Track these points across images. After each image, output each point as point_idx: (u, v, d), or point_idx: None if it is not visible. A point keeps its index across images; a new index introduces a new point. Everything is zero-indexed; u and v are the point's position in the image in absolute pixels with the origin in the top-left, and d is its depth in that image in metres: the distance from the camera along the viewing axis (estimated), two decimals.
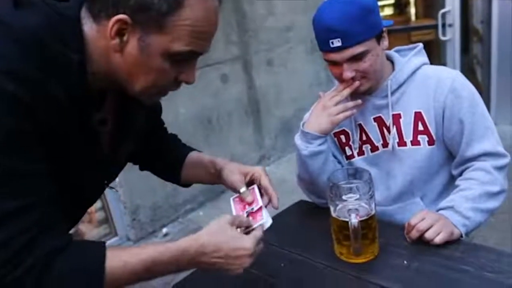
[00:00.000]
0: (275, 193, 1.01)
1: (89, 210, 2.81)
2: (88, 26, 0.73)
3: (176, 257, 0.77)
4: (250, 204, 0.98)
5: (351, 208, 0.99)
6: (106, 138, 0.86)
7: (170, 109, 2.69)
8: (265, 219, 0.92)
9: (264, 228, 0.91)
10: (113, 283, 0.71)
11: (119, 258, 0.72)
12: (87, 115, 0.76)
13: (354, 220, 0.96)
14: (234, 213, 0.98)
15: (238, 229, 0.86)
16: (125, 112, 0.89)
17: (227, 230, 0.81)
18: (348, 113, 1.18)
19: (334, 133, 1.31)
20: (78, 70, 0.71)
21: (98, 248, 0.72)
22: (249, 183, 1.03)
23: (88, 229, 2.69)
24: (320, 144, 1.19)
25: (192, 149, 1.15)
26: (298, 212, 1.35)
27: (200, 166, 1.10)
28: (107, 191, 2.82)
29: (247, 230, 0.88)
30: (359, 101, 1.19)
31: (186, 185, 1.16)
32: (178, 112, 2.84)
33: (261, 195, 1.00)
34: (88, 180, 0.83)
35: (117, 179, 2.49)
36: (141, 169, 1.18)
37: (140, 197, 2.69)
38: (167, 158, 1.14)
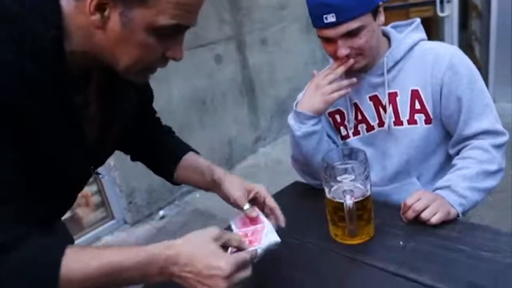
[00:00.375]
0: (281, 214, 0.96)
1: (85, 193, 2.80)
2: (66, 2, 0.69)
3: (144, 263, 0.69)
4: (252, 221, 0.92)
5: (346, 189, 0.97)
6: (91, 122, 0.82)
7: (162, 91, 2.65)
8: (269, 239, 0.85)
9: (270, 243, 0.84)
10: (70, 285, 0.65)
11: (80, 258, 0.67)
12: (68, 96, 0.73)
13: (349, 201, 0.94)
14: (234, 231, 0.91)
15: (229, 249, 0.76)
16: (111, 94, 0.85)
17: (208, 244, 0.72)
18: (342, 92, 1.14)
19: (329, 113, 1.28)
20: (55, 46, 0.68)
21: (58, 245, 0.67)
22: (251, 201, 0.97)
23: (85, 213, 2.68)
24: (313, 124, 1.16)
25: (189, 148, 1.10)
26: (293, 194, 1.33)
27: (197, 170, 1.05)
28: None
29: (238, 252, 0.77)
30: (354, 79, 1.15)
31: (177, 183, 1.11)
32: (171, 94, 2.79)
33: (266, 215, 0.95)
34: (73, 166, 0.79)
35: (111, 162, 2.45)
36: (133, 159, 1.14)
37: (136, 180, 2.67)
38: (161, 151, 1.09)
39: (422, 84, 1.15)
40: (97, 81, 0.82)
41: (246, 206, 0.94)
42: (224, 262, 0.70)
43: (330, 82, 1.14)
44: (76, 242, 2.53)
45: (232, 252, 0.76)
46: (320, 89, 1.14)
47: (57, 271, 0.64)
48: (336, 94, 1.14)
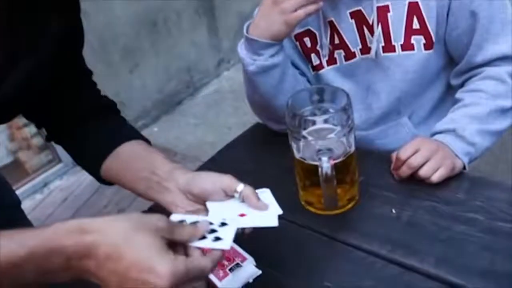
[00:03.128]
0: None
1: (24, 136, 2.47)
2: None
3: (42, 254, 0.46)
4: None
5: (322, 149, 0.70)
6: None
7: (103, 11, 2.21)
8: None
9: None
10: None
11: None
12: None
13: (326, 164, 0.68)
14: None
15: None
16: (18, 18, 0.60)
17: (145, 233, 0.48)
18: (311, 7, 0.81)
19: (296, 35, 0.97)
20: None
21: None
22: None
23: (28, 157, 2.43)
24: (272, 55, 0.86)
25: (134, 135, 0.77)
26: (253, 142, 1.05)
27: (135, 163, 0.72)
28: None
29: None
30: None
31: (106, 183, 0.78)
32: (115, 15, 2.37)
33: None
34: None
35: None
36: (48, 139, 0.82)
37: None
38: (87, 135, 0.76)
39: None
40: None
41: (241, 187, 0.64)
42: (166, 265, 0.47)
43: None
44: (23, 188, 2.32)
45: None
46: (279, 4, 0.81)
47: None
48: (301, 12, 0.81)
